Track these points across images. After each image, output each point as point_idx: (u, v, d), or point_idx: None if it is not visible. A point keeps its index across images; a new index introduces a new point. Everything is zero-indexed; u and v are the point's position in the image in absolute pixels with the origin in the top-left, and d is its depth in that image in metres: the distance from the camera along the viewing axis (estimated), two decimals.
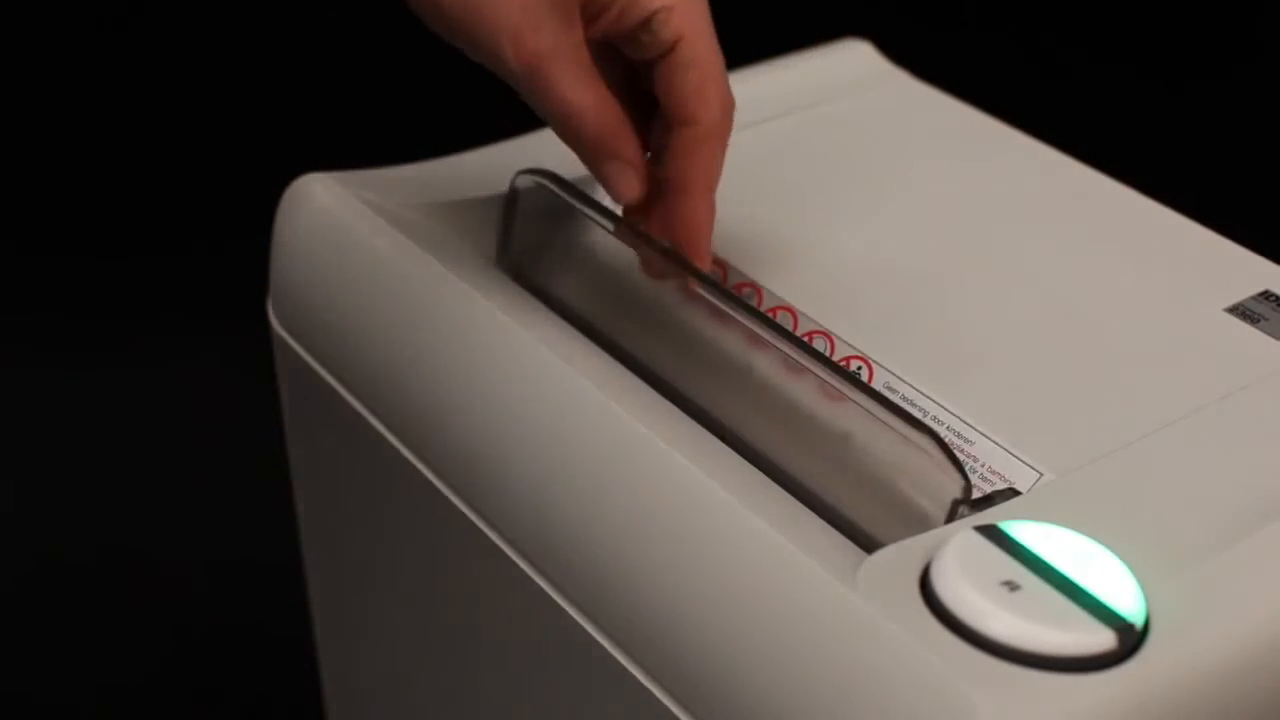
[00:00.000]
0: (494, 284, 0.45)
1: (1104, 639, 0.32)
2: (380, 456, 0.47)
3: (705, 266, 0.43)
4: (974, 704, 0.31)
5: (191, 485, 0.93)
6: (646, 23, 0.41)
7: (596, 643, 0.40)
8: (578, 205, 0.45)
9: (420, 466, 0.45)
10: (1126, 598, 0.33)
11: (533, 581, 0.42)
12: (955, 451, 0.38)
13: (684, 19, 0.41)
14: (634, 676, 0.38)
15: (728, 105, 0.43)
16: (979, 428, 0.40)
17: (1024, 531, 0.35)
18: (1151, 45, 1.05)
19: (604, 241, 0.46)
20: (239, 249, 0.65)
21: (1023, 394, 0.42)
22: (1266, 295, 0.45)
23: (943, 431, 0.41)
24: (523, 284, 0.46)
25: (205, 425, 0.97)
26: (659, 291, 0.45)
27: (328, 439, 0.52)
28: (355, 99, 1.05)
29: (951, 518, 0.37)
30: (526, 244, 0.48)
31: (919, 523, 0.37)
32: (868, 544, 0.36)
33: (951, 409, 0.41)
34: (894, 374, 0.42)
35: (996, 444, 0.40)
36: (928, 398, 0.42)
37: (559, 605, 0.41)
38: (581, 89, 0.40)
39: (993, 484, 0.39)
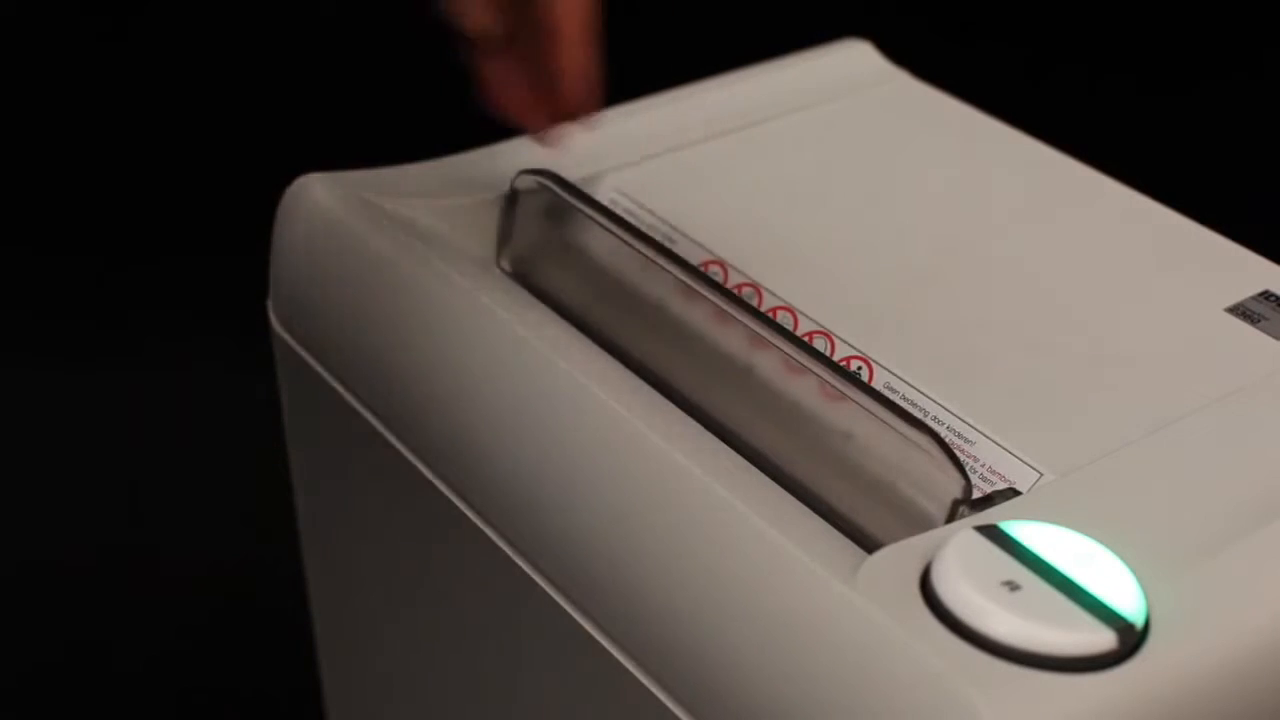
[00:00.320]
0: (494, 284, 0.45)
1: (1104, 639, 0.32)
2: (380, 456, 0.47)
3: (586, 112, 0.42)
4: (974, 704, 0.31)
5: (191, 485, 0.93)
6: None
7: (596, 642, 0.40)
8: (578, 205, 0.45)
9: (420, 466, 0.45)
10: (1127, 598, 0.33)
11: (533, 581, 0.42)
12: (955, 451, 0.38)
13: None
14: (634, 676, 0.38)
15: None
16: (979, 428, 0.40)
17: (1024, 531, 0.35)
18: (1152, 45, 1.05)
19: (604, 241, 0.46)
20: (239, 249, 0.65)
21: (1023, 394, 0.42)
22: (1266, 295, 0.45)
23: (943, 431, 0.41)
24: (523, 284, 0.46)
25: (205, 425, 0.97)
26: (659, 291, 0.45)
27: (328, 439, 0.52)
28: (355, 99, 1.05)
29: (951, 518, 0.37)
30: (526, 244, 0.48)
31: (919, 523, 0.37)
32: (868, 544, 0.36)
33: (951, 409, 0.41)
34: (894, 374, 0.42)
35: (996, 444, 0.40)
36: (928, 398, 0.42)
37: (559, 605, 0.41)
38: None
39: (993, 484, 0.39)
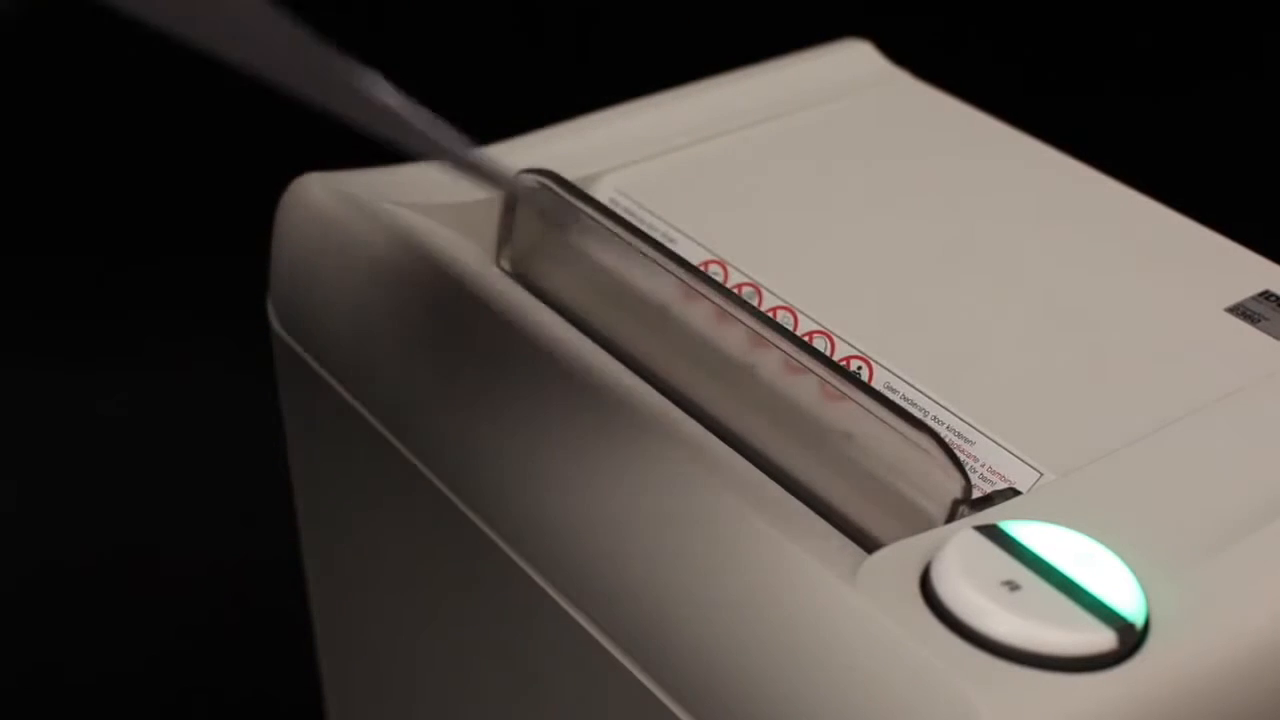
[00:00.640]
0: (494, 284, 0.45)
1: (1104, 639, 0.32)
2: (380, 456, 0.47)
3: None
4: (974, 704, 0.31)
5: (191, 484, 0.93)
6: None
7: (596, 641, 0.40)
8: (578, 205, 0.45)
9: (420, 466, 0.45)
10: (1127, 597, 0.33)
11: (532, 581, 0.42)
12: (955, 451, 0.38)
13: None
14: (633, 675, 0.38)
15: None
16: (979, 428, 0.40)
17: (1024, 531, 0.35)
18: (1153, 44, 1.05)
19: (604, 241, 0.46)
20: (239, 249, 0.65)
21: (1023, 394, 0.42)
22: (1266, 295, 0.45)
23: (943, 431, 0.41)
24: (523, 284, 0.46)
25: (205, 425, 0.97)
26: (659, 291, 0.45)
27: (328, 439, 0.52)
28: None
29: (952, 517, 0.37)
30: (526, 244, 0.48)
31: (919, 523, 0.37)
32: (868, 544, 0.36)
33: (951, 409, 0.41)
34: (894, 374, 0.43)
35: (996, 444, 0.40)
36: (928, 398, 0.42)
37: (559, 604, 0.41)
38: None
39: (993, 484, 0.39)
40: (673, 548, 0.38)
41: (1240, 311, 0.44)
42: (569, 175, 0.47)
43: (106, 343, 1.03)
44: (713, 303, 0.42)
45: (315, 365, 0.50)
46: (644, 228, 0.48)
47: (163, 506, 0.92)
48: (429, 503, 0.45)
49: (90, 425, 0.98)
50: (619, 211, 0.48)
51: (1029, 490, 0.39)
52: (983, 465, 0.40)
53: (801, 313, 0.45)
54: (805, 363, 0.40)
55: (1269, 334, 0.44)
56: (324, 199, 0.49)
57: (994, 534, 0.34)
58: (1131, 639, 0.33)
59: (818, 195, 0.50)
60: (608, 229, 0.45)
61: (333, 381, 0.49)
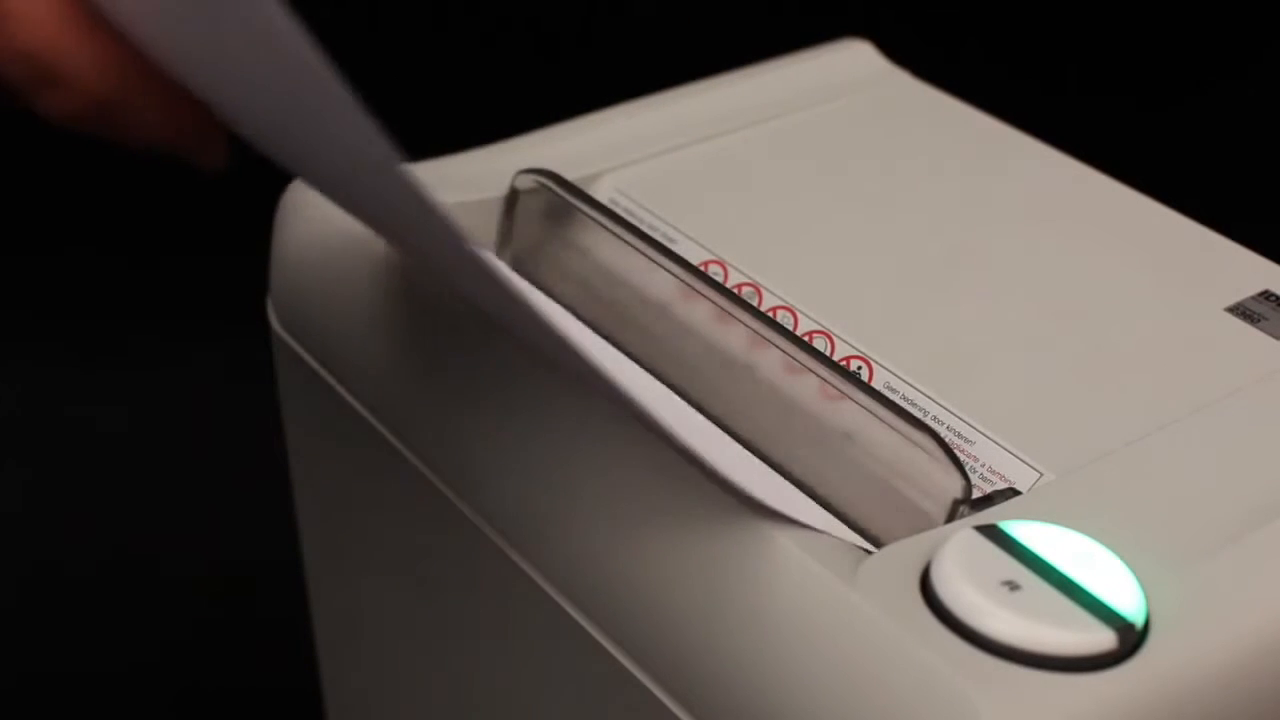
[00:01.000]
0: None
1: (1104, 639, 0.32)
2: (380, 456, 0.47)
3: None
4: (974, 704, 0.31)
5: (191, 485, 0.93)
6: None
7: (596, 641, 0.40)
8: (578, 205, 0.45)
9: (420, 466, 0.45)
10: (1127, 597, 0.33)
11: (532, 580, 0.42)
12: (955, 451, 0.38)
13: None
14: (633, 675, 0.38)
15: None
16: (979, 428, 0.40)
17: (1024, 531, 0.35)
18: (1153, 45, 1.04)
19: (604, 241, 0.46)
20: (239, 249, 0.64)
21: (1023, 394, 0.42)
22: (1266, 295, 0.45)
23: (943, 431, 0.41)
24: None
25: (204, 425, 0.97)
26: (659, 291, 0.45)
27: (328, 439, 0.52)
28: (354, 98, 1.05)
29: (951, 517, 0.37)
30: (526, 244, 0.48)
31: (919, 523, 0.37)
32: (868, 544, 0.36)
33: (951, 409, 0.41)
34: (894, 374, 0.43)
35: (996, 444, 0.40)
36: (928, 398, 0.42)
37: (558, 604, 0.41)
38: None
39: (993, 484, 0.39)
40: (672, 547, 0.38)
41: (1240, 311, 0.44)
42: (569, 175, 0.47)
43: (106, 343, 1.03)
44: (713, 303, 0.42)
45: (315, 365, 0.50)
46: (644, 228, 0.48)
47: (163, 506, 0.92)
48: (429, 502, 0.45)
49: (90, 425, 0.98)
50: (619, 211, 0.48)
51: (1029, 490, 0.39)
52: (983, 465, 0.40)
53: (801, 313, 0.45)
54: (805, 363, 0.40)
55: (1269, 334, 0.44)
56: (324, 199, 0.49)
57: (994, 534, 0.34)
58: (1131, 639, 0.33)
59: (818, 195, 0.50)
60: (608, 229, 0.45)
61: (333, 381, 0.49)
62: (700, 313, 0.44)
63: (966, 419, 0.41)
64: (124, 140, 0.34)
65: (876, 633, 0.33)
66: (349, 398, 0.48)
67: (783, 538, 0.36)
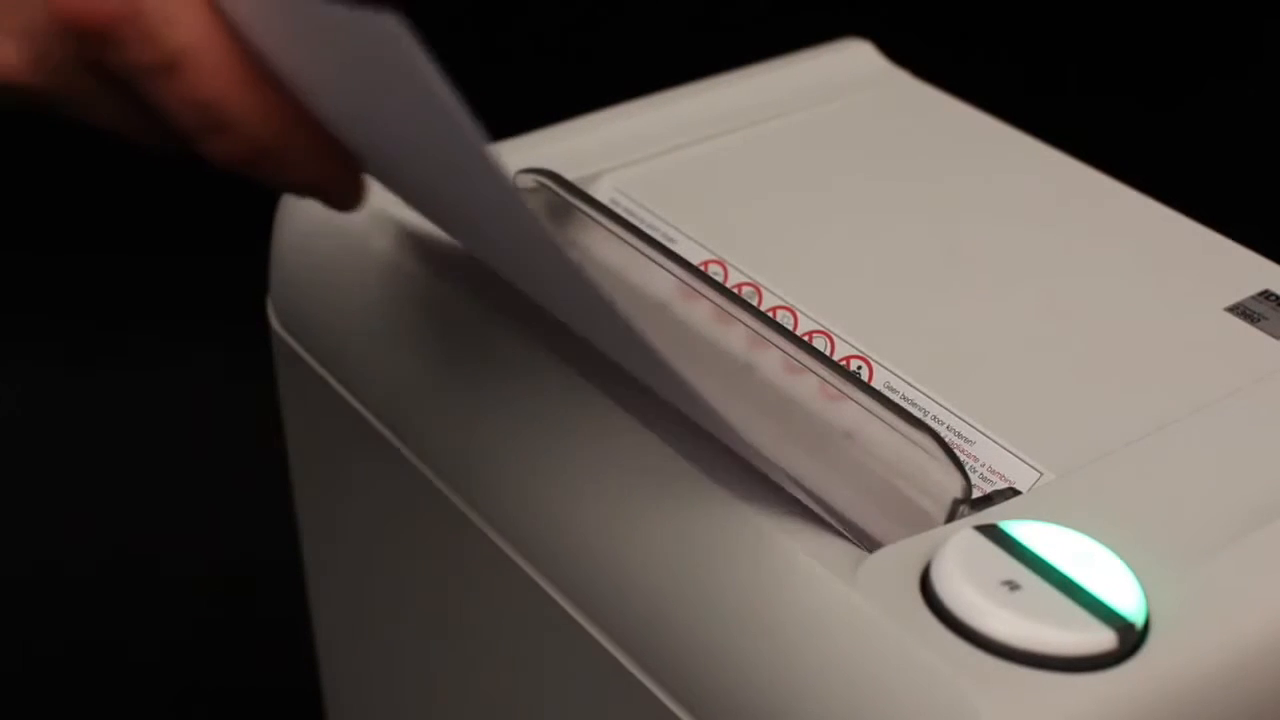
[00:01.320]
0: (494, 283, 0.45)
1: (1104, 638, 0.32)
2: (380, 456, 0.47)
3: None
4: (974, 704, 0.31)
5: (191, 485, 0.93)
6: None
7: (596, 641, 0.40)
8: (578, 205, 0.45)
9: (420, 466, 0.45)
10: (1127, 597, 0.33)
11: (532, 580, 0.42)
12: (955, 451, 0.38)
13: None
14: (634, 675, 0.38)
15: None
16: (979, 428, 0.40)
17: (1024, 531, 0.35)
18: (1154, 45, 1.04)
19: (604, 241, 0.46)
20: (239, 249, 0.64)
21: (1023, 394, 0.42)
22: (1266, 295, 0.45)
23: (943, 431, 0.41)
24: None
25: (204, 425, 0.97)
26: (660, 291, 0.45)
27: (328, 439, 0.52)
28: None
29: (951, 517, 0.37)
30: None
31: (919, 522, 0.37)
32: (868, 544, 0.36)
33: (951, 409, 0.41)
34: (894, 374, 0.42)
35: (996, 444, 0.40)
36: (928, 397, 0.42)
37: (558, 604, 0.41)
38: None
39: (993, 484, 0.39)
40: (673, 547, 0.38)
41: (1240, 311, 0.44)
42: (569, 175, 0.47)
43: (106, 343, 1.03)
44: (713, 302, 0.42)
45: (315, 365, 0.50)
46: (644, 227, 0.48)
47: (163, 506, 0.92)
48: (428, 502, 0.45)
49: (90, 424, 0.98)
50: (619, 211, 0.48)
51: (1029, 490, 0.39)
52: (983, 465, 0.40)
53: (801, 313, 0.45)
54: (805, 362, 0.40)
55: (1269, 334, 0.44)
56: None
57: (994, 534, 0.34)
58: (1131, 639, 0.33)
59: (818, 195, 0.50)
60: (608, 228, 0.45)
61: (333, 381, 0.49)
62: (700, 312, 0.44)
63: (966, 419, 0.41)
64: (276, 182, 0.37)
65: (876, 632, 0.33)
66: (349, 397, 0.48)
67: (783, 537, 0.36)
